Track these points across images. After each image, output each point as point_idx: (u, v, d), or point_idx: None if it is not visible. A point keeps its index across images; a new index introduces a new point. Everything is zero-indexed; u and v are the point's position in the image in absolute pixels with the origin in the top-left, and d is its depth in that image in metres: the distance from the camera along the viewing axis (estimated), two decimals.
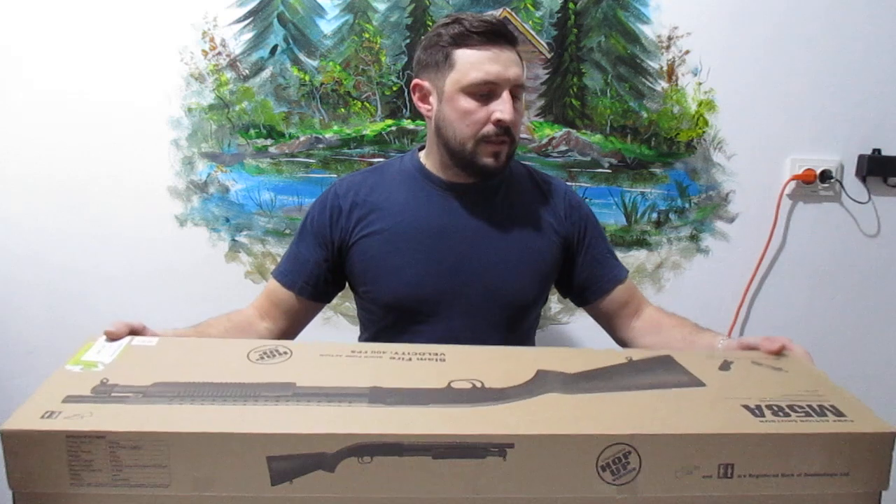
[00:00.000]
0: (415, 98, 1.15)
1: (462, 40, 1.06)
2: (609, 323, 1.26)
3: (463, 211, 1.15)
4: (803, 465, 0.74)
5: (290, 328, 1.20)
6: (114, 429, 0.69)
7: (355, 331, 1.38)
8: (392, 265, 1.14)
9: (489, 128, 1.07)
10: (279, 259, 1.64)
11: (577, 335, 1.72)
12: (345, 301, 1.63)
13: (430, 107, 1.13)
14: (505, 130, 1.07)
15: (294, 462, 0.69)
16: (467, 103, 1.06)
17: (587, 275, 1.23)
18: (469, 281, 1.14)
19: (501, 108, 1.05)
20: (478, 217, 1.16)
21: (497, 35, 1.06)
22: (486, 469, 0.70)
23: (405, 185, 1.17)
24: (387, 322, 1.18)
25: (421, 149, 1.23)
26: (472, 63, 1.05)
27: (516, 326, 1.20)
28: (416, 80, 1.14)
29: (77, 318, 1.63)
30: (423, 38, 1.14)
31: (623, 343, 1.24)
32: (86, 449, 0.69)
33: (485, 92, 1.06)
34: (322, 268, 1.18)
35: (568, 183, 1.65)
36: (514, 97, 1.08)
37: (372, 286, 1.16)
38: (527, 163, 1.33)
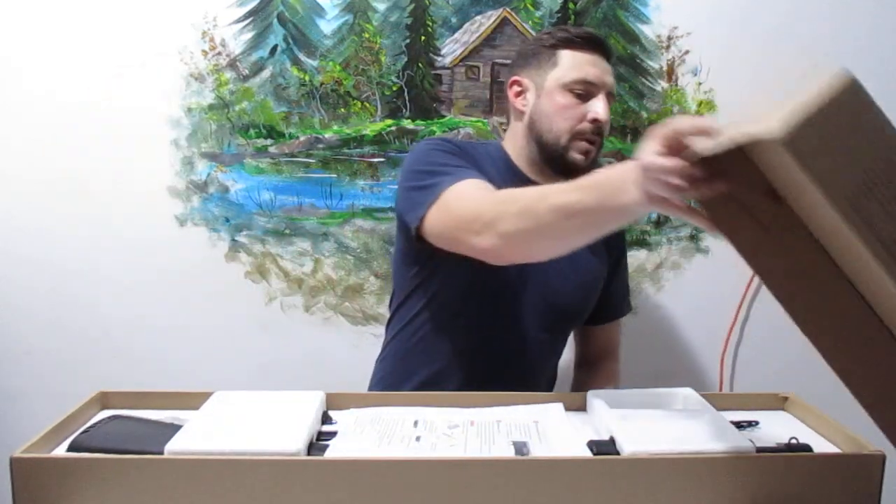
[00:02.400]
0: (510, 93, 1.21)
1: (568, 42, 1.15)
2: (579, 345, 1.35)
3: None
4: None
5: None
6: None
7: (356, 331, 1.38)
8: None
9: (584, 125, 1.13)
10: (278, 259, 1.65)
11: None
12: (344, 301, 1.63)
13: (525, 102, 1.18)
14: (597, 130, 1.14)
15: None
16: (565, 99, 1.13)
17: (601, 300, 1.28)
18: (534, 280, 1.16)
19: (598, 108, 1.12)
20: None
21: (599, 45, 1.16)
22: None
23: (493, 169, 1.16)
24: (452, 311, 1.15)
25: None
26: (576, 63, 1.14)
27: (563, 332, 1.26)
28: (514, 77, 1.20)
29: (76, 319, 1.62)
30: (527, 39, 1.25)
31: (575, 369, 1.35)
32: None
33: (582, 91, 1.13)
34: None
35: None
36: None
37: (443, 269, 1.14)
38: None
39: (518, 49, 1.24)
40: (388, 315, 1.31)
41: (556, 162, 1.15)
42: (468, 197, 0.99)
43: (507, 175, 1.17)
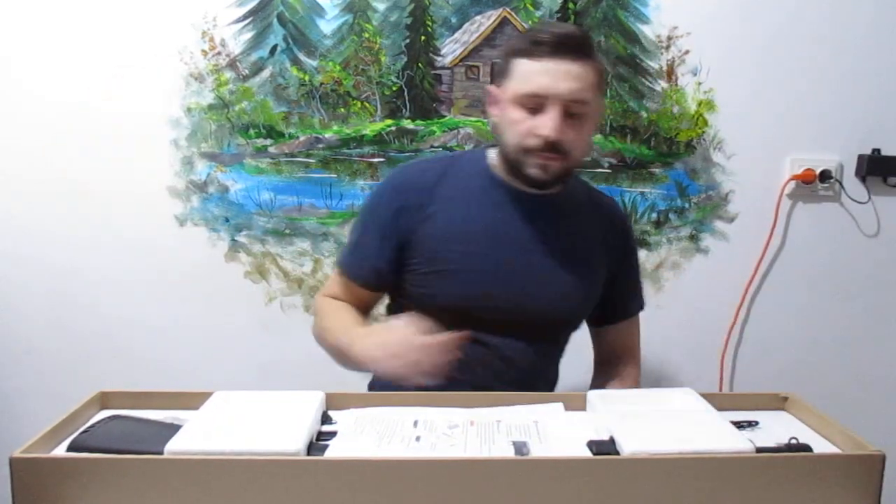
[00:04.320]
0: (488, 101, 1.16)
1: (523, 50, 1.06)
2: (595, 346, 1.32)
3: (523, 219, 1.15)
4: None
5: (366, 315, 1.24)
6: None
7: None
8: (450, 267, 1.13)
9: (533, 140, 1.05)
10: (278, 259, 1.65)
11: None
12: None
13: (496, 112, 1.14)
14: (551, 146, 1.05)
15: None
16: (515, 114, 1.06)
17: (604, 300, 1.25)
18: (517, 290, 1.14)
19: (543, 124, 1.04)
20: (536, 228, 1.15)
21: (560, 47, 1.03)
22: None
23: (471, 184, 1.16)
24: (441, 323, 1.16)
25: (490, 146, 1.22)
26: (524, 74, 1.05)
27: (552, 341, 1.23)
28: (489, 86, 1.17)
29: (76, 318, 1.63)
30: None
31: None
32: None
33: (534, 104, 1.05)
34: (391, 258, 1.16)
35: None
36: (571, 113, 1.05)
37: (427, 285, 1.15)
38: (584, 180, 1.34)
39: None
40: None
41: (517, 174, 1.11)
42: (327, 286, 1.25)
43: (485, 182, 1.16)
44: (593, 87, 1.06)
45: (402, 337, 0.99)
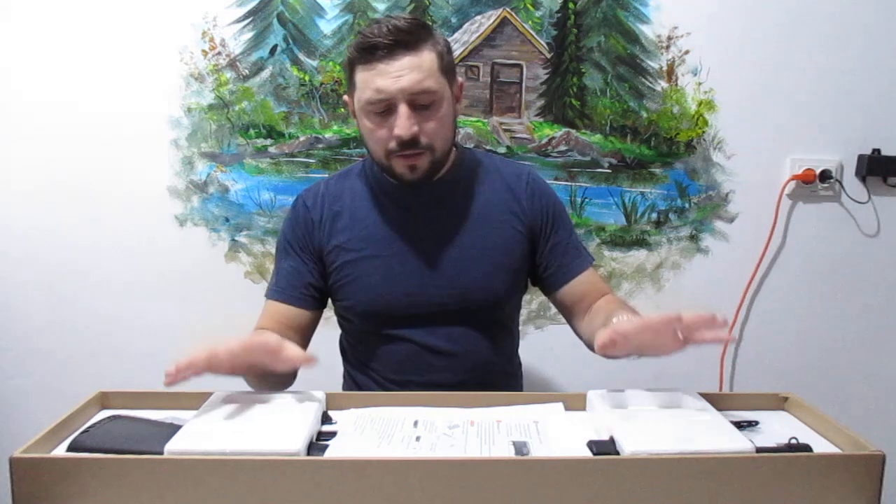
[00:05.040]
0: (350, 114, 1.15)
1: (356, 59, 1.04)
2: (568, 314, 1.23)
3: (420, 213, 1.15)
4: None
5: (304, 344, 1.18)
6: None
7: None
8: (358, 273, 1.14)
9: (392, 143, 1.04)
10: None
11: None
12: None
13: (357, 122, 1.12)
14: (411, 143, 1.03)
15: None
16: (368, 122, 1.06)
17: (547, 263, 1.21)
18: (435, 283, 1.13)
19: (397, 124, 1.02)
20: (436, 218, 1.15)
21: (390, 46, 1.01)
22: None
23: (364, 191, 1.18)
24: (366, 328, 1.18)
25: None
26: (364, 81, 1.03)
27: (492, 323, 1.19)
28: (344, 97, 1.14)
29: (76, 318, 1.63)
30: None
31: (578, 335, 1.21)
32: None
33: (382, 109, 1.03)
34: (315, 274, 1.18)
35: (566, 182, 1.66)
36: (421, 104, 1.03)
37: (343, 296, 1.17)
38: (499, 156, 1.31)
39: None
40: None
41: (391, 178, 1.11)
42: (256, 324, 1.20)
43: (377, 188, 1.17)
44: (435, 71, 1.04)
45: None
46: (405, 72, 1.01)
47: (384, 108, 1.03)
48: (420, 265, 1.14)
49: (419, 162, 1.06)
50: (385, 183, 1.15)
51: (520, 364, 1.31)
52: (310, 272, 1.17)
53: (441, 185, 1.15)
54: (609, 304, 1.14)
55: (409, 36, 1.01)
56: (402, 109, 1.02)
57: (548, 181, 1.31)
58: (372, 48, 1.01)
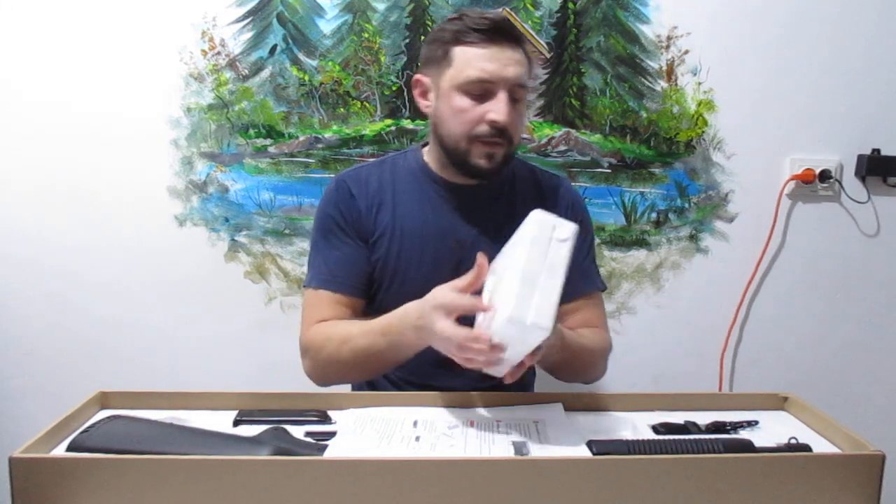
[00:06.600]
0: (415, 93, 1.15)
1: (462, 37, 1.04)
2: None
3: (463, 213, 1.15)
4: None
5: None
6: None
7: None
8: (397, 268, 1.14)
9: (482, 127, 1.05)
10: (278, 259, 1.65)
11: None
12: None
13: (428, 103, 1.12)
14: (500, 132, 1.05)
15: None
16: (461, 101, 1.05)
17: None
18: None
19: (496, 109, 1.04)
20: (478, 220, 1.15)
21: (499, 33, 1.04)
22: None
23: (408, 184, 1.17)
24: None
25: (424, 146, 1.21)
26: (469, 60, 1.04)
27: None
28: (416, 76, 1.14)
29: (76, 318, 1.62)
30: (429, 32, 1.12)
31: None
32: None
33: (480, 91, 1.04)
34: (369, 262, 1.14)
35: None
36: (514, 98, 1.06)
37: (379, 290, 1.15)
38: (533, 164, 1.32)
39: (422, 44, 1.12)
40: None
41: (461, 165, 1.10)
42: (308, 317, 1.13)
43: (422, 183, 1.16)
44: (529, 72, 1.09)
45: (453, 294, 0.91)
46: (512, 63, 1.04)
47: (482, 91, 1.04)
48: (453, 267, 1.12)
49: (498, 152, 1.07)
50: (436, 179, 1.15)
51: (534, 372, 1.30)
52: (366, 259, 1.15)
53: (487, 189, 1.15)
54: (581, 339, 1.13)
55: (513, 31, 1.06)
56: (504, 96, 1.04)
57: None
58: (482, 31, 1.03)
